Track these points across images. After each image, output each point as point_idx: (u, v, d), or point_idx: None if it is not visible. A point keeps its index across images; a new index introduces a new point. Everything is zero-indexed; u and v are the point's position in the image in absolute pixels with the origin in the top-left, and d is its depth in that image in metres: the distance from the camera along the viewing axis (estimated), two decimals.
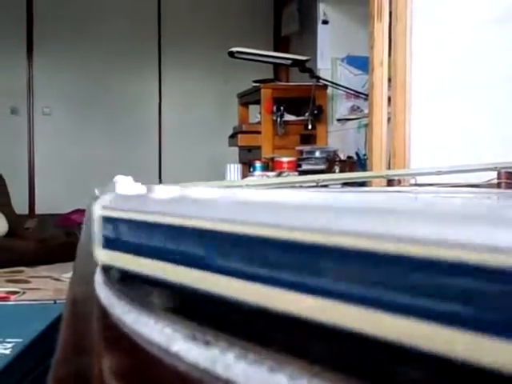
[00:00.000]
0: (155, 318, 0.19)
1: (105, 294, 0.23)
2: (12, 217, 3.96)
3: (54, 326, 0.81)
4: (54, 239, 3.81)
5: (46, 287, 2.69)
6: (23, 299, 1.96)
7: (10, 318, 0.79)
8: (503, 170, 1.39)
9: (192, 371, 0.16)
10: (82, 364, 0.18)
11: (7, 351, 0.66)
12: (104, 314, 0.22)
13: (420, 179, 1.63)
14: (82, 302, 0.25)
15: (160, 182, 5.60)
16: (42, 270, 3.17)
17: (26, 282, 2.83)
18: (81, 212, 4.68)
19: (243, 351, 0.15)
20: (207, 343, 0.16)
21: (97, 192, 1.16)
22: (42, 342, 0.74)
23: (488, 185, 1.43)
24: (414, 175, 1.59)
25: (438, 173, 1.51)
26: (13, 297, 1.67)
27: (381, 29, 1.96)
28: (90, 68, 5.54)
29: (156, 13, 5.67)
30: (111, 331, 0.20)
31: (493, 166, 1.43)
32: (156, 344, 0.18)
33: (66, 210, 4.84)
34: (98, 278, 0.26)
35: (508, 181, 1.39)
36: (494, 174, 1.41)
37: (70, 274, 2.83)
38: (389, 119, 2.03)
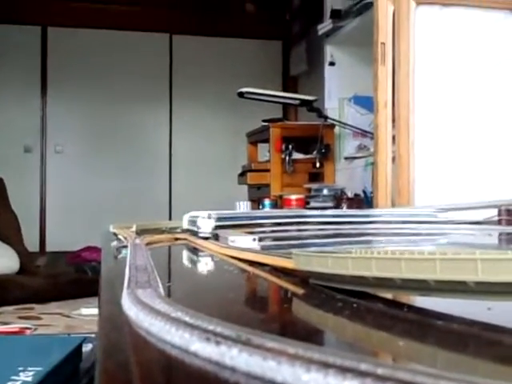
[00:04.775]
0: (176, 327, 0.24)
1: (133, 312, 0.28)
2: (24, 254, 4.02)
3: (71, 356, 0.86)
4: (65, 276, 3.84)
5: (56, 323, 2.72)
6: (38, 334, 2.01)
7: (29, 348, 0.84)
8: (503, 208, 1.43)
9: (207, 364, 0.21)
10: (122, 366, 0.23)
11: (29, 378, 0.71)
12: (133, 328, 0.27)
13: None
14: (113, 320, 0.30)
15: (170, 216, 5.66)
16: (53, 306, 3.20)
17: (38, 318, 2.86)
18: (91, 249, 4.73)
19: (245, 347, 0.20)
20: (218, 343, 0.21)
21: (111, 228, 1.20)
22: (60, 370, 0.79)
23: (489, 222, 1.47)
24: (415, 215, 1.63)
25: (441, 210, 1.55)
26: (28, 331, 1.72)
27: (384, 71, 2.03)
28: (101, 107, 5.66)
29: (168, 53, 5.81)
30: (140, 340, 0.25)
31: (493, 203, 1.48)
32: (178, 346, 0.23)
33: (76, 247, 4.89)
34: (126, 300, 0.31)
35: (508, 218, 1.43)
36: (495, 212, 1.45)
37: (80, 311, 2.87)
38: (393, 158, 2.08)
